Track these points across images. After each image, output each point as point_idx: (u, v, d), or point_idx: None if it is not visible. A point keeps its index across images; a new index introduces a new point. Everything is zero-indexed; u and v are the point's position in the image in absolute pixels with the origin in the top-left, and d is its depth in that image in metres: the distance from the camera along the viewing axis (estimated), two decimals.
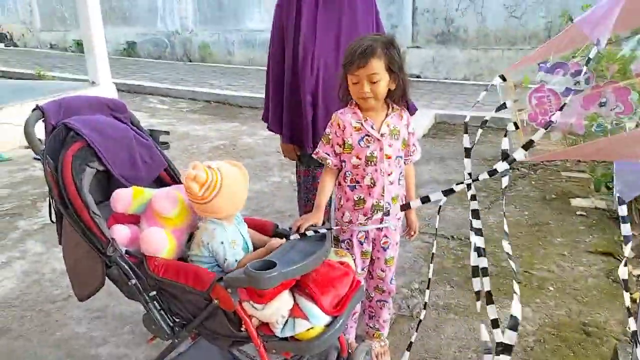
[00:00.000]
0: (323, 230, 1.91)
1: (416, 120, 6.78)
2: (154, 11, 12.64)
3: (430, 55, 9.87)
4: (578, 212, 3.87)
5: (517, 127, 1.43)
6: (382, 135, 2.04)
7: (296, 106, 2.47)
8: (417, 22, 9.87)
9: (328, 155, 2.10)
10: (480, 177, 1.41)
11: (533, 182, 4.53)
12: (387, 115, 2.07)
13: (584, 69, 1.22)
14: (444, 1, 9.53)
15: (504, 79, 1.48)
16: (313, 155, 2.18)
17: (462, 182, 1.47)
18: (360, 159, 2.06)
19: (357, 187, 2.10)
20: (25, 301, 2.90)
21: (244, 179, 1.87)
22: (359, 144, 2.05)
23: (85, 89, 6.64)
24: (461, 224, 3.74)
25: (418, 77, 9.90)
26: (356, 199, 2.11)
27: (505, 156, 1.38)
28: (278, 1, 2.50)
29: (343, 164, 2.11)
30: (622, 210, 1.41)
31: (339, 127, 2.07)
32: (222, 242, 1.81)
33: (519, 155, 1.25)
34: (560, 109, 1.22)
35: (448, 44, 9.65)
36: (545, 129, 1.20)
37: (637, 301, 2.62)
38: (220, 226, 1.84)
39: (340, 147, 2.08)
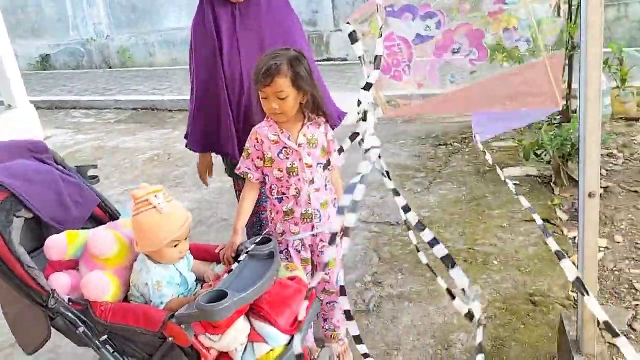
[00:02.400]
0: (270, 246, 1.91)
1: (347, 105, 6.80)
2: (64, 20, 12.06)
3: None
4: (512, 182, 4.02)
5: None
6: (299, 145, 2.07)
7: (226, 121, 2.42)
8: (337, 6, 9.89)
9: (249, 170, 2.13)
10: (345, 147, 1.36)
11: (467, 157, 4.67)
12: (303, 125, 2.10)
13: (434, 9, 1.11)
14: None
15: (350, 25, 1.35)
16: (235, 171, 2.19)
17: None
18: (282, 171, 2.09)
19: (284, 198, 2.14)
20: None
21: (163, 232, 1.77)
22: (279, 156, 2.08)
23: (1, 114, 6.28)
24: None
25: (344, 59, 9.96)
26: (285, 210, 2.15)
27: (365, 114, 1.29)
28: (194, 20, 2.42)
29: (266, 177, 2.14)
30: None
31: (258, 142, 2.10)
32: (146, 284, 1.80)
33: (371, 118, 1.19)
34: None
35: None
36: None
37: (576, 263, 2.78)
38: (146, 267, 1.82)
39: (261, 160, 2.12)
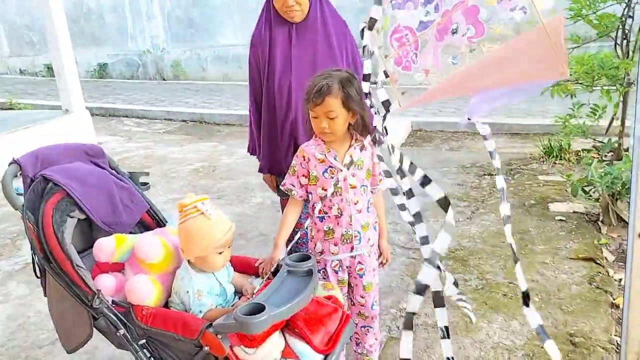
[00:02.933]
0: (309, 263, 1.92)
1: (393, 129, 6.83)
2: (124, 31, 12.55)
3: None
4: (557, 217, 3.93)
5: (387, 76, 1.36)
6: (345, 165, 2.09)
7: (274, 139, 2.49)
8: None
9: (293, 186, 2.16)
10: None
11: (511, 189, 4.60)
12: (350, 146, 2.13)
13: None
14: None
15: (370, 28, 1.39)
16: (280, 187, 2.23)
17: None
18: (325, 190, 2.11)
19: (325, 217, 2.16)
20: (12, 348, 2.85)
21: (209, 238, 1.81)
22: (323, 175, 2.11)
23: (58, 118, 6.56)
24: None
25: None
26: (326, 229, 2.17)
27: (387, 106, 1.37)
28: (252, 40, 2.51)
29: (310, 195, 2.16)
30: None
31: (304, 159, 2.13)
32: (187, 292, 1.84)
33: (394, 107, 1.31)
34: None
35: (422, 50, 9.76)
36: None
37: (620, 306, 2.68)
38: (188, 274, 1.86)
39: (306, 178, 2.14)
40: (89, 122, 6.84)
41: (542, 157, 5.19)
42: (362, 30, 1.37)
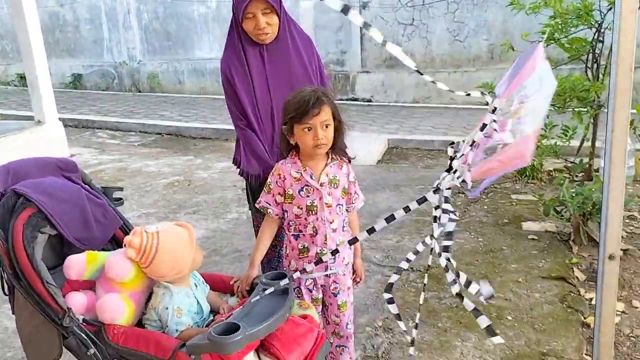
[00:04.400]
0: (285, 282, 1.91)
1: (369, 146, 6.87)
2: (99, 42, 12.43)
3: (379, 80, 10.06)
4: (530, 236, 3.99)
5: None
6: (321, 184, 2.10)
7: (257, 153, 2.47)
8: (366, 48, 10.06)
9: (269, 204, 2.15)
10: (411, 207, 1.60)
11: (485, 207, 4.66)
12: (326, 164, 2.13)
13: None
14: (390, 27, 9.75)
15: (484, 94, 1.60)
16: (255, 204, 2.22)
17: (407, 208, 1.61)
18: (301, 208, 2.11)
19: (300, 235, 2.16)
20: None
21: (187, 242, 1.85)
22: (299, 193, 2.11)
23: (30, 129, 6.44)
24: (419, 254, 3.79)
25: (369, 101, 10.08)
26: (300, 247, 2.16)
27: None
28: (223, 59, 2.49)
29: (285, 213, 2.16)
30: None
31: (280, 177, 2.13)
32: (166, 308, 1.82)
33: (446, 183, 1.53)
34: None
35: (396, 68, 9.87)
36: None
37: (591, 326, 2.72)
38: (168, 291, 1.85)
39: (282, 196, 2.14)
40: (62, 134, 6.73)
41: (516, 177, 5.28)
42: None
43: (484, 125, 1.42)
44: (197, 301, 1.89)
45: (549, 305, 3.10)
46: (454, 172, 1.50)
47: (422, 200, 1.58)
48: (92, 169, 6.26)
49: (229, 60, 2.45)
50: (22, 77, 12.18)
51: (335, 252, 1.91)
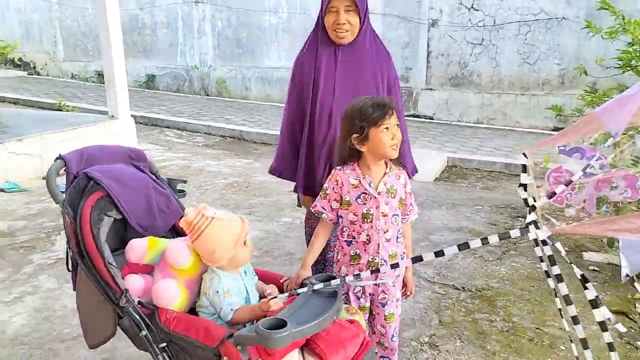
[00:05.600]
0: (336, 282, 1.92)
1: (428, 163, 6.78)
2: (174, 46, 12.92)
3: (443, 98, 9.95)
4: (591, 267, 3.83)
5: (527, 204, 1.51)
6: (379, 193, 2.10)
7: (312, 159, 2.51)
8: (431, 65, 9.98)
9: (324, 209, 2.17)
10: (491, 241, 1.54)
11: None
12: (385, 174, 2.13)
13: (598, 154, 1.29)
14: (458, 46, 9.65)
15: (526, 156, 1.56)
16: (311, 209, 2.23)
17: (485, 239, 1.54)
18: (357, 215, 2.11)
19: (353, 242, 2.16)
20: (34, 339, 2.91)
21: (231, 239, 1.89)
22: (356, 201, 2.11)
23: (104, 122, 6.77)
24: (472, 274, 3.72)
25: (431, 118, 9.98)
26: (352, 254, 2.16)
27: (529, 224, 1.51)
28: (298, 55, 2.56)
29: (340, 219, 2.16)
30: None
31: (337, 184, 2.14)
32: (217, 292, 1.87)
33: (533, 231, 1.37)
34: (571, 187, 1.31)
35: (461, 87, 9.74)
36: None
37: None
38: (217, 276, 1.90)
39: (338, 202, 2.15)
40: (133, 129, 7.04)
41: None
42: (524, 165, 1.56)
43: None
44: (246, 288, 1.93)
45: None
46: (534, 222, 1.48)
47: (505, 236, 1.54)
48: (157, 164, 6.48)
49: (303, 55, 2.52)
50: (99, 75, 12.85)
51: (395, 265, 1.89)
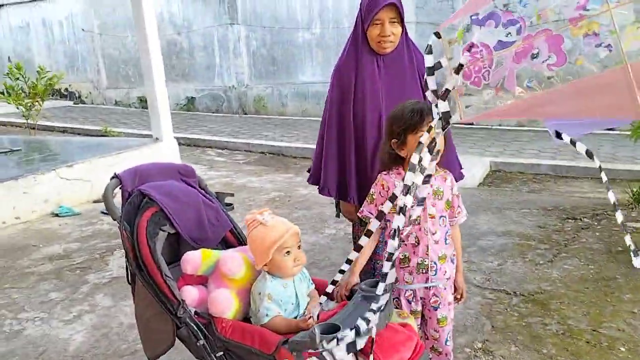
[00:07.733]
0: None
1: (470, 169, 6.69)
2: (212, 68, 13.24)
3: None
4: None
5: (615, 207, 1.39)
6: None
7: (362, 167, 2.53)
8: None
9: (371, 214, 2.18)
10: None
11: (597, 234, 4.38)
12: (431, 176, 2.12)
13: (515, 16, 1.15)
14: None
15: (438, 36, 1.41)
16: (357, 214, 2.24)
17: None
18: None
19: (402, 245, 2.14)
20: (94, 355, 3.01)
21: (266, 247, 1.90)
22: None
23: (149, 145, 6.98)
24: (522, 278, 3.65)
25: (471, 123, 9.87)
26: (401, 257, 2.17)
27: (447, 117, 1.43)
28: (337, 65, 2.60)
29: (387, 223, 2.16)
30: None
31: (383, 188, 2.16)
32: (259, 293, 1.91)
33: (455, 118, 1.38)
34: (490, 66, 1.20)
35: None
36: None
37: None
38: (264, 279, 1.94)
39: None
40: (176, 150, 7.23)
41: (631, 204, 4.92)
42: (429, 46, 1.44)
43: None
44: (297, 294, 1.96)
45: None
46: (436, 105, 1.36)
47: None
48: None
49: (343, 65, 2.55)
50: (142, 100, 13.27)
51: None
